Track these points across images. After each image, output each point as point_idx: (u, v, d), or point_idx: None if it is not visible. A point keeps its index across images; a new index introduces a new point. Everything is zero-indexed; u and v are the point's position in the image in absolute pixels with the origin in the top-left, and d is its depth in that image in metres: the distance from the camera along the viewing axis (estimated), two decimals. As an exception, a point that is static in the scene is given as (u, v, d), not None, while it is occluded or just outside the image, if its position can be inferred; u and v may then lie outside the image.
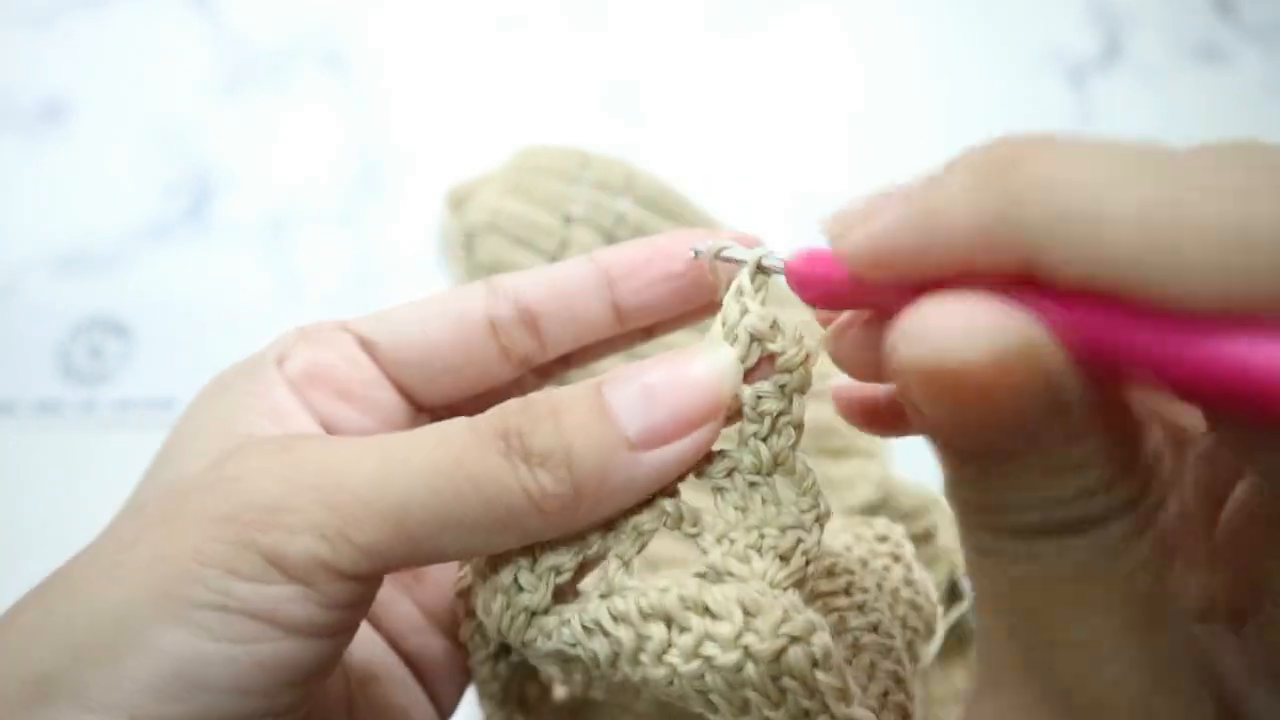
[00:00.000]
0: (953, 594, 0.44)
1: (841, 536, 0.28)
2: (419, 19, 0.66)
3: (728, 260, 0.22)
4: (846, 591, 0.26)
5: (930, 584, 0.27)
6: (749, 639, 0.18)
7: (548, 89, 0.64)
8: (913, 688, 0.25)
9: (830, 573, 0.26)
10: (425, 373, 0.24)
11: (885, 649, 0.25)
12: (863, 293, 0.18)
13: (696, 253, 0.23)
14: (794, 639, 0.18)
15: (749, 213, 0.56)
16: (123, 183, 0.58)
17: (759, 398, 0.20)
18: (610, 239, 0.49)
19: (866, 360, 0.20)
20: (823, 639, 0.18)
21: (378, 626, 0.25)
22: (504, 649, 0.24)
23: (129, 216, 0.57)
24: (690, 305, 0.25)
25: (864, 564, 0.27)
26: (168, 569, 0.18)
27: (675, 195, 0.54)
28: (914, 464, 0.47)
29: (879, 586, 0.26)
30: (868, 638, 0.25)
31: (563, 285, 0.24)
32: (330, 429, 0.23)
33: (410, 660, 0.25)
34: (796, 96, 0.65)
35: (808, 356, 0.21)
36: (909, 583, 0.27)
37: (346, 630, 0.20)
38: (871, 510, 0.44)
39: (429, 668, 0.26)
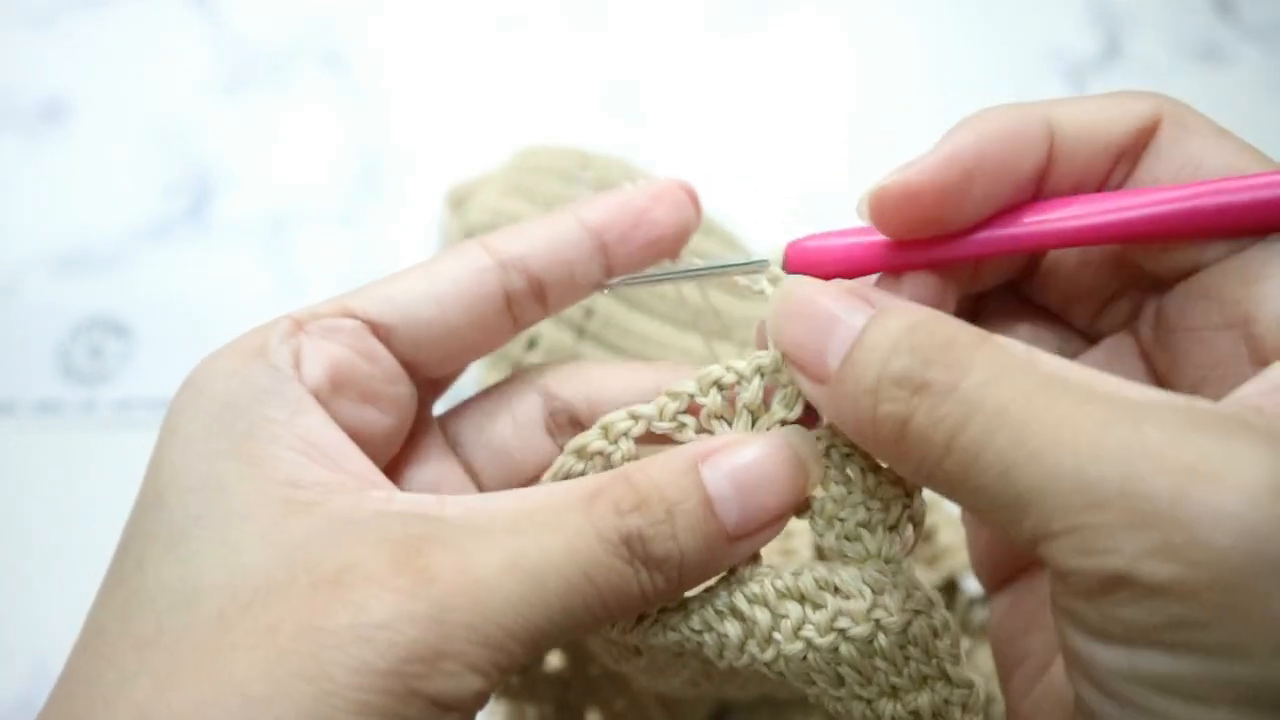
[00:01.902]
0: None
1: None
2: (419, 19, 0.66)
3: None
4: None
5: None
6: (879, 613, 0.20)
7: (548, 89, 0.64)
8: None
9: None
10: (443, 353, 0.24)
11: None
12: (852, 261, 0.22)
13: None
14: (918, 612, 0.20)
15: (749, 212, 0.56)
16: (123, 183, 0.58)
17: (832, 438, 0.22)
18: None
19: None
20: (942, 612, 0.21)
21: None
22: None
23: (129, 216, 0.57)
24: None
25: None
26: None
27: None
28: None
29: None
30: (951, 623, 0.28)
31: (565, 253, 0.24)
32: (356, 435, 0.22)
33: None
34: (796, 96, 0.65)
35: None
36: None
37: None
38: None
39: None
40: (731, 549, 0.21)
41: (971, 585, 0.44)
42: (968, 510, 0.20)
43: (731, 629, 0.21)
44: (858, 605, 0.20)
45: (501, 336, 0.25)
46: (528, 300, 0.24)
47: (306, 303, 0.23)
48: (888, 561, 0.21)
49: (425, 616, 0.18)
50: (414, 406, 0.24)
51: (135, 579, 0.19)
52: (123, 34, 0.63)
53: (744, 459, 0.21)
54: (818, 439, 0.22)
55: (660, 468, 0.21)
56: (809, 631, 0.20)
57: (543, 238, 0.24)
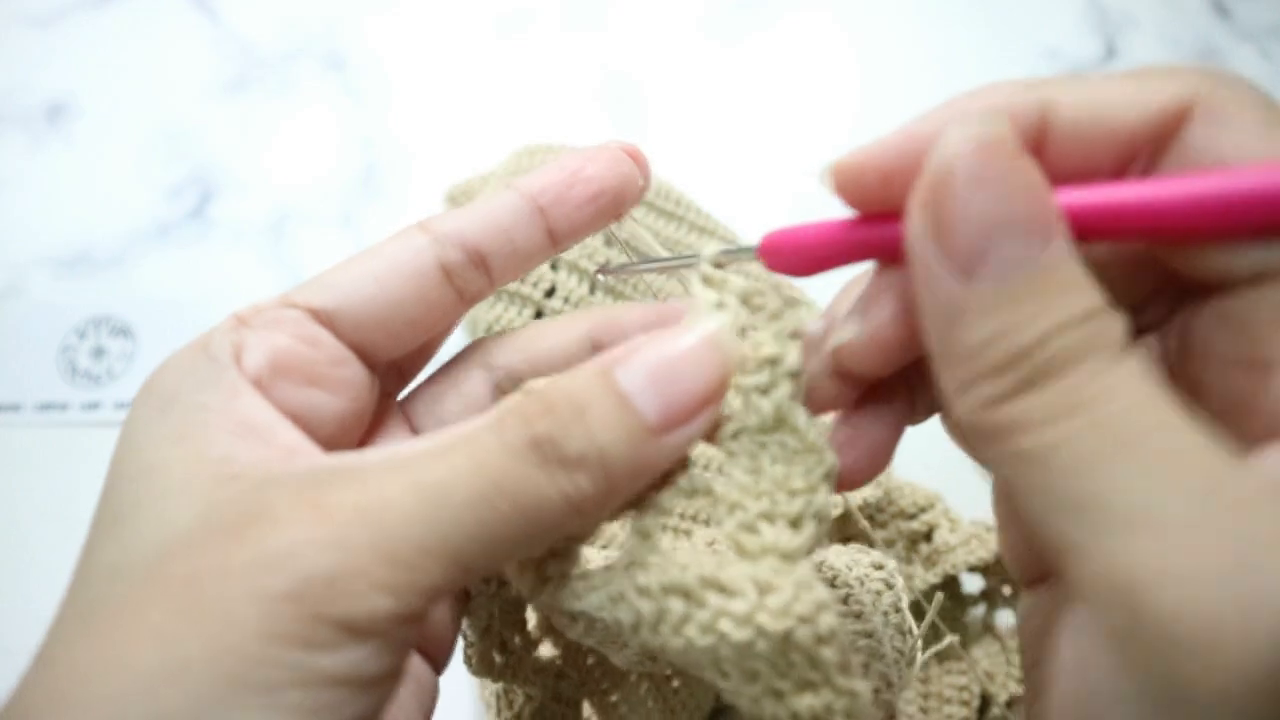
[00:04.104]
0: (952, 593, 0.44)
1: (842, 557, 0.29)
2: (419, 20, 0.66)
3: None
4: (844, 601, 0.28)
5: (911, 621, 0.29)
6: (761, 617, 0.19)
7: (547, 89, 0.64)
8: (899, 693, 0.26)
9: (832, 583, 0.27)
10: (387, 332, 0.24)
11: (877, 654, 0.27)
12: (835, 248, 0.21)
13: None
14: (803, 619, 0.19)
15: (748, 212, 0.56)
16: (125, 184, 0.58)
17: (757, 345, 0.21)
18: (609, 238, 0.49)
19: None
20: (828, 619, 0.19)
21: None
22: (504, 584, 0.25)
23: (131, 217, 0.57)
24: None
25: (861, 583, 0.28)
26: (236, 659, 0.17)
27: (675, 194, 0.55)
28: (913, 464, 0.47)
29: (874, 605, 0.28)
30: (862, 642, 0.27)
31: (500, 220, 0.24)
32: (303, 418, 0.22)
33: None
34: (796, 96, 0.65)
35: (794, 301, 0.21)
36: (897, 609, 0.29)
37: (406, 658, 0.20)
38: (874, 508, 0.45)
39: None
40: (658, 442, 0.20)
41: (970, 584, 0.45)
42: (1018, 499, 0.18)
43: (624, 614, 0.20)
44: (739, 607, 0.19)
45: (448, 310, 0.25)
46: (468, 271, 0.24)
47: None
48: (785, 558, 0.20)
49: (324, 541, 0.18)
50: (370, 390, 0.24)
51: (82, 564, 0.20)
52: (125, 35, 0.64)
53: (656, 354, 0.20)
54: (733, 428, 0.21)
55: (569, 377, 0.20)
56: (689, 631, 0.20)
57: (478, 210, 0.25)
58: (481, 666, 0.26)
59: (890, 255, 0.21)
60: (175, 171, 0.59)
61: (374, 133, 0.61)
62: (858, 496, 0.44)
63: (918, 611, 0.37)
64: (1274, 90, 0.19)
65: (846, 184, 0.20)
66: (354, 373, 0.24)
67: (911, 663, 0.29)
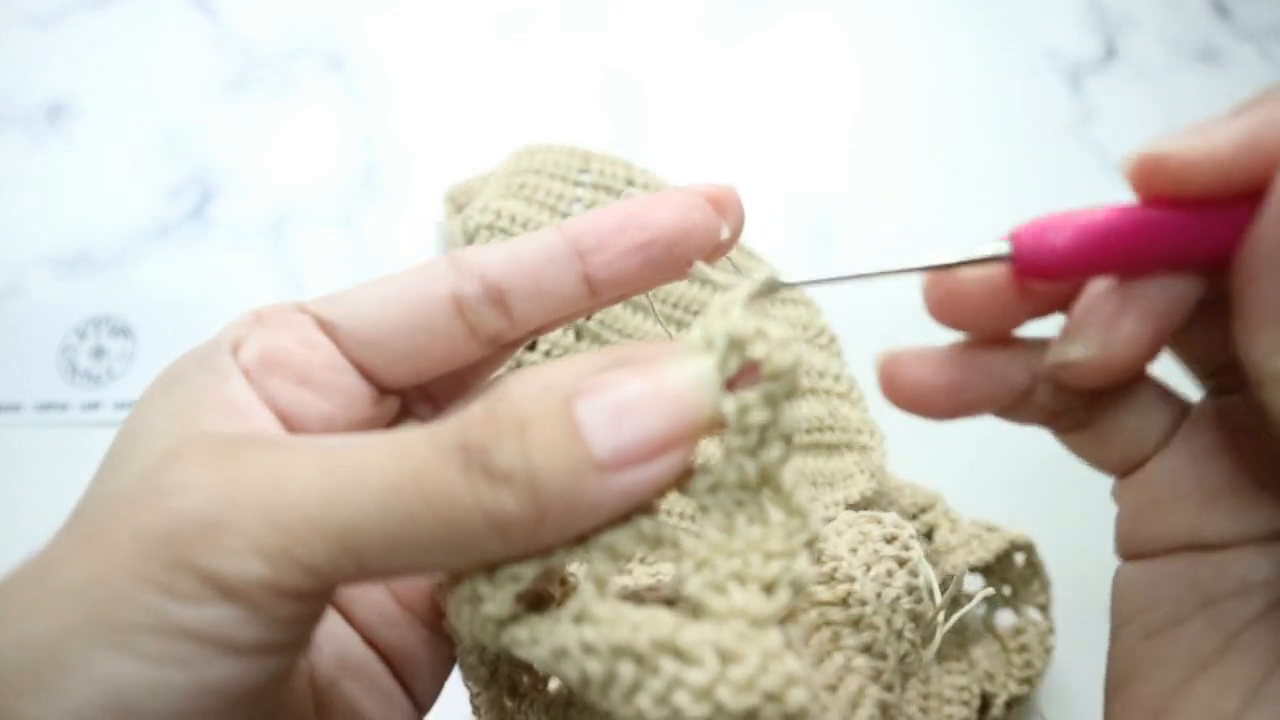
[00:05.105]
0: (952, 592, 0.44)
1: (847, 535, 0.26)
2: (419, 20, 0.66)
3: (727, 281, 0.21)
4: (844, 602, 0.25)
5: (934, 582, 0.26)
6: (721, 692, 0.17)
7: (547, 89, 0.64)
8: (898, 711, 0.24)
9: (830, 578, 0.25)
10: (387, 354, 0.23)
11: (876, 672, 0.24)
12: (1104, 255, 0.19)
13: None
14: (769, 696, 0.17)
15: (749, 212, 0.56)
16: (125, 184, 0.58)
17: (743, 409, 0.19)
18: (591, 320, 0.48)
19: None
20: (798, 696, 0.17)
21: (350, 619, 0.24)
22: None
23: (131, 217, 0.57)
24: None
25: (867, 569, 0.25)
26: (100, 592, 0.17)
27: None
28: (909, 464, 0.47)
29: (879, 596, 0.25)
30: (859, 659, 0.24)
31: (529, 259, 0.23)
32: (291, 417, 0.22)
33: (385, 653, 0.24)
34: (797, 97, 0.65)
35: (796, 362, 0.19)
36: (911, 590, 0.26)
37: (297, 644, 0.19)
38: (866, 505, 0.44)
39: (405, 660, 0.24)
40: (603, 479, 0.18)
41: (972, 584, 0.45)
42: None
43: (570, 670, 0.18)
44: (697, 678, 0.17)
45: (458, 344, 0.23)
46: (483, 306, 0.23)
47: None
48: (753, 624, 0.18)
49: (214, 487, 0.17)
50: (369, 404, 0.24)
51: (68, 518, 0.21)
52: (125, 35, 0.64)
53: (625, 392, 0.18)
54: (709, 481, 0.19)
55: (526, 395, 0.19)
56: (641, 700, 0.17)
57: (510, 245, 0.23)
58: (493, 716, 0.25)
59: (1206, 257, 0.19)
60: (175, 171, 0.59)
61: (374, 133, 0.61)
62: (854, 492, 0.44)
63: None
64: (1273, 90, 0.19)
65: (1165, 181, 0.19)
66: (349, 381, 0.23)
67: (929, 641, 0.26)
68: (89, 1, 0.64)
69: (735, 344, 0.19)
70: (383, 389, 0.24)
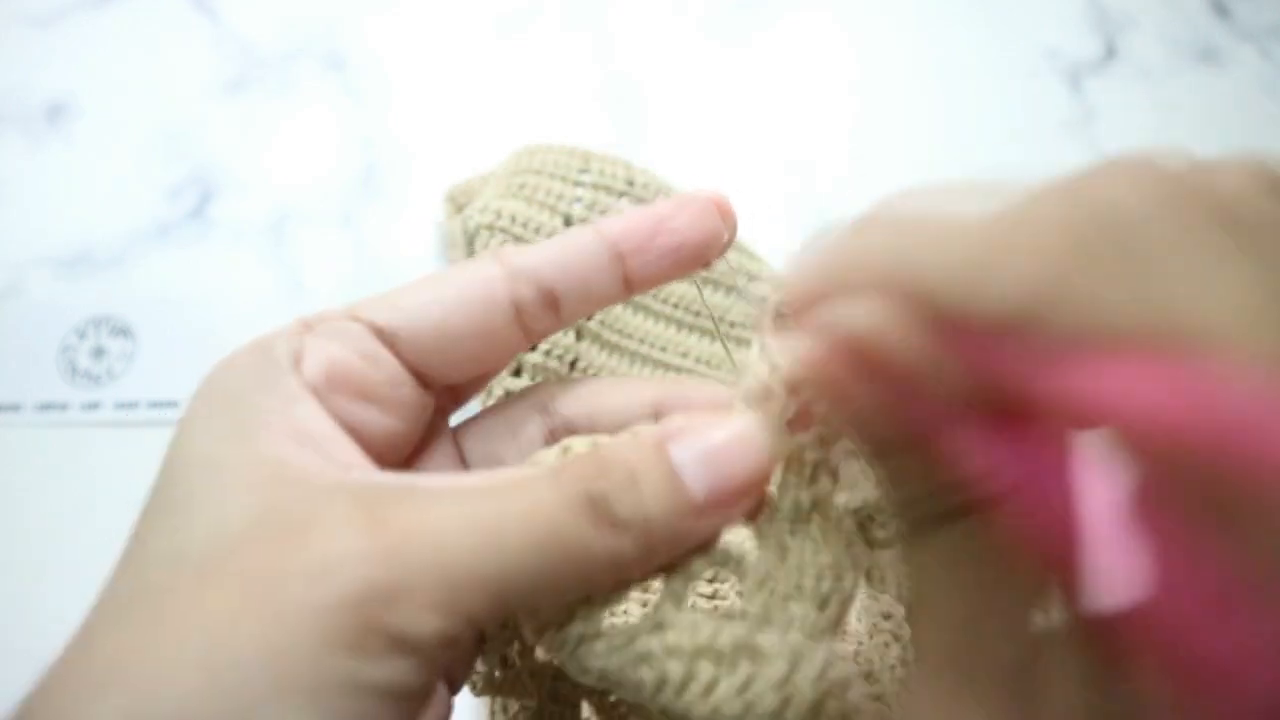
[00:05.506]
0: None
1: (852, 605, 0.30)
2: (419, 20, 0.66)
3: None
4: (854, 657, 0.28)
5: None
6: (792, 687, 0.20)
7: (547, 89, 0.64)
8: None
9: (843, 634, 0.28)
10: (447, 359, 0.24)
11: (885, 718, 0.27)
12: None
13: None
14: (832, 693, 0.20)
15: (749, 212, 0.56)
16: (125, 184, 0.58)
17: (800, 449, 0.22)
18: (579, 331, 0.48)
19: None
20: (857, 693, 0.20)
21: None
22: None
23: (131, 217, 0.57)
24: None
25: (870, 635, 0.29)
26: (287, 661, 0.17)
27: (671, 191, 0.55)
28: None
29: (880, 659, 0.28)
30: (869, 705, 0.27)
31: (577, 264, 0.24)
32: (355, 431, 0.22)
33: None
34: (796, 97, 0.65)
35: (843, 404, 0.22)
36: (904, 664, 0.29)
37: (437, 679, 0.21)
38: (867, 509, 0.44)
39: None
40: (699, 522, 0.21)
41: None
42: None
43: (647, 675, 0.20)
44: (771, 674, 0.20)
45: (513, 346, 0.25)
46: (539, 310, 0.24)
47: (308, 302, 0.24)
48: (810, 636, 0.21)
49: (382, 554, 0.18)
50: (424, 412, 0.24)
51: (132, 551, 0.20)
52: (125, 35, 0.64)
53: (713, 440, 0.21)
54: (768, 511, 0.22)
55: (625, 444, 0.21)
56: (719, 695, 0.20)
57: (556, 249, 0.24)
58: (486, 687, 0.27)
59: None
60: (175, 171, 0.59)
61: (374, 133, 0.61)
62: (857, 498, 0.43)
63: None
64: (1274, 90, 0.19)
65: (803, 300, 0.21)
66: (410, 394, 0.24)
67: None
68: (89, 1, 0.64)
69: (793, 392, 0.21)
70: (429, 388, 0.25)
